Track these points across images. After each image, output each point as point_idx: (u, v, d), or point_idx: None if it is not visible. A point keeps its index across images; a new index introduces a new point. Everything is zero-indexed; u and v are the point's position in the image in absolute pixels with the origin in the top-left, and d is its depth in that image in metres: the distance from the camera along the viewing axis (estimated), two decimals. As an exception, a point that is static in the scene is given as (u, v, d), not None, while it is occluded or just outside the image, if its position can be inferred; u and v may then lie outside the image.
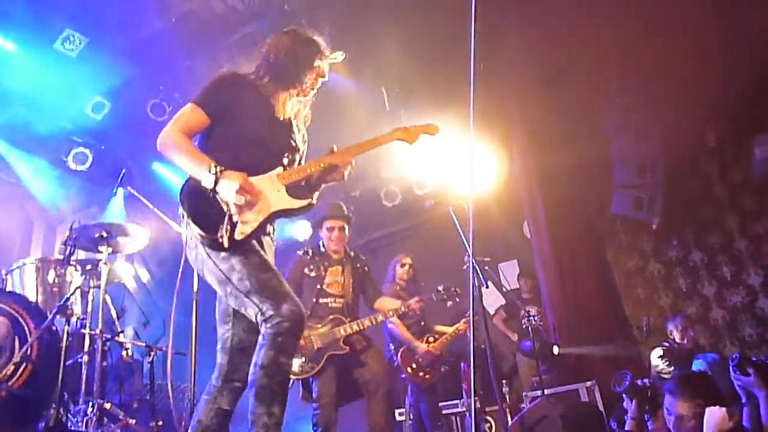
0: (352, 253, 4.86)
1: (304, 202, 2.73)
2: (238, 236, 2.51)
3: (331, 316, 4.46)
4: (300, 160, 2.93)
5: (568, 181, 6.69)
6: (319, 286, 4.55)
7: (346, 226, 4.81)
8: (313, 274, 4.60)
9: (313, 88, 2.93)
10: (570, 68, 6.13)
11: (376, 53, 6.28)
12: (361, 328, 4.46)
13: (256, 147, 2.71)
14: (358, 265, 4.82)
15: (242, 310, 2.54)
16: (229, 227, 2.49)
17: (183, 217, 2.61)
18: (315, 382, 4.31)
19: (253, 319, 2.48)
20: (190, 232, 2.59)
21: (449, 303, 4.96)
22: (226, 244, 2.47)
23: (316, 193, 2.86)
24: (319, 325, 4.42)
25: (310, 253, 4.72)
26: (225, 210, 2.51)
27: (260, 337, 2.44)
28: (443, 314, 5.84)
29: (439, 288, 4.94)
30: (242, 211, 2.53)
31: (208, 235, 2.48)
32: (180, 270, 2.79)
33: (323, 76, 2.94)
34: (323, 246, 4.76)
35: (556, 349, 5.76)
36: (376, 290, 4.89)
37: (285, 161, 2.78)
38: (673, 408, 3.20)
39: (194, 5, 5.65)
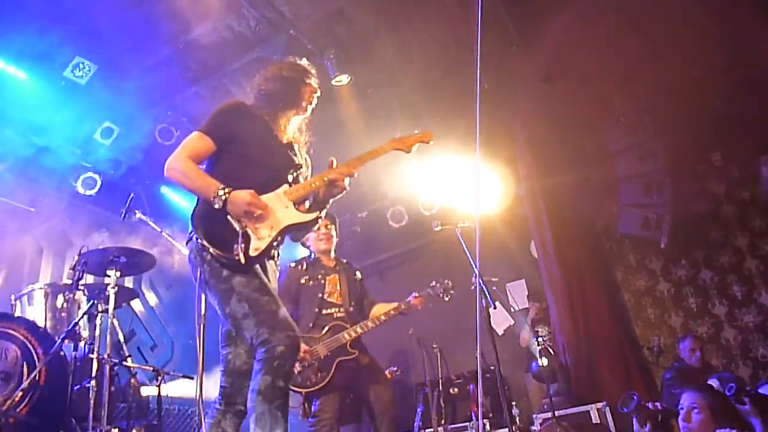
0: (344, 260, 4.83)
1: (312, 216, 2.82)
2: (253, 252, 2.56)
3: (331, 323, 4.40)
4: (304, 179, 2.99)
5: (575, 200, 6.68)
6: (320, 296, 4.50)
7: (332, 225, 4.76)
8: (311, 283, 4.54)
9: (309, 104, 3.03)
10: (575, 88, 6.15)
11: (381, 76, 6.35)
12: (365, 330, 4.41)
13: (262, 168, 2.79)
14: (354, 275, 4.77)
15: (239, 333, 2.56)
16: (243, 245, 2.53)
17: (192, 239, 2.64)
18: (316, 397, 4.23)
19: (249, 343, 2.49)
20: (196, 254, 2.63)
21: (446, 298, 4.80)
22: (243, 261, 2.51)
23: (324, 210, 2.93)
24: (320, 335, 4.35)
25: (304, 264, 4.67)
26: (237, 228, 2.55)
27: (255, 363, 2.45)
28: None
29: (433, 283, 4.82)
30: (255, 227, 2.59)
31: (225, 254, 2.52)
32: (197, 293, 2.81)
33: (315, 92, 3.04)
34: (313, 253, 4.72)
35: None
36: (369, 300, 4.82)
37: (290, 178, 2.85)
38: (688, 400, 3.16)
39: (202, 31, 5.72)
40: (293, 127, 3.03)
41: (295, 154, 2.97)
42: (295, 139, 3.04)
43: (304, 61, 3.10)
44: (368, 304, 4.78)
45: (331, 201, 2.95)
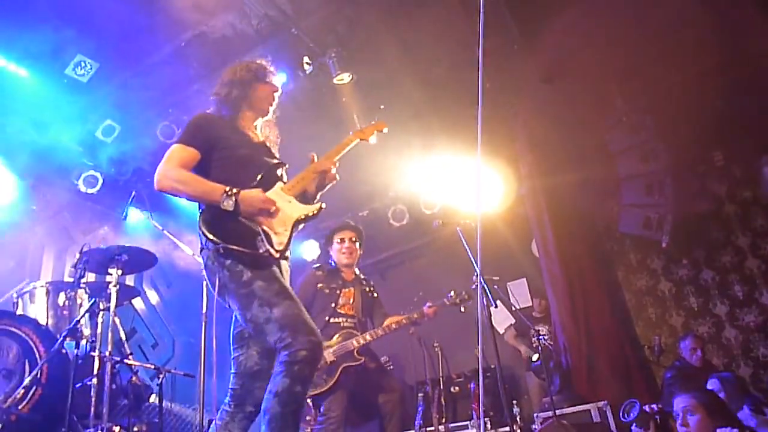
0: (362, 276, 4.85)
1: (317, 206, 2.85)
2: (278, 247, 2.58)
3: (341, 331, 4.47)
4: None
5: (576, 199, 6.68)
6: (333, 305, 4.56)
7: (357, 239, 4.79)
8: (326, 291, 4.61)
9: (270, 105, 3.03)
10: (576, 88, 6.15)
11: (382, 75, 6.34)
12: (374, 337, 4.46)
13: (255, 168, 2.79)
14: (368, 290, 4.82)
15: (261, 337, 2.54)
16: (266, 241, 2.55)
17: (207, 246, 2.61)
18: (323, 399, 4.27)
19: (272, 346, 2.48)
20: (214, 259, 2.59)
21: (462, 308, 4.84)
22: (275, 254, 2.54)
23: (319, 198, 2.98)
24: (330, 340, 4.40)
25: (325, 270, 4.74)
26: (254, 227, 2.57)
27: (277, 365, 2.44)
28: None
29: (450, 294, 4.84)
30: (270, 224, 2.60)
31: (251, 251, 2.52)
32: (204, 295, 2.81)
33: (276, 90, 3.04)
34: (334, 262, 4.75)
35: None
36: (382, 315, 4.86)
37: (279, 173, 2.88)
38: (680, 404, 3.17)
39: (203, 29, 5.72)
40: (257, 129, 3.02)
41: (271, 152, 2.99)
42: (267, 139, 3.05)
43: (261, 61, 3.09)
44: (381, 316, 4.81)
45: (319, 194, 2.99)
